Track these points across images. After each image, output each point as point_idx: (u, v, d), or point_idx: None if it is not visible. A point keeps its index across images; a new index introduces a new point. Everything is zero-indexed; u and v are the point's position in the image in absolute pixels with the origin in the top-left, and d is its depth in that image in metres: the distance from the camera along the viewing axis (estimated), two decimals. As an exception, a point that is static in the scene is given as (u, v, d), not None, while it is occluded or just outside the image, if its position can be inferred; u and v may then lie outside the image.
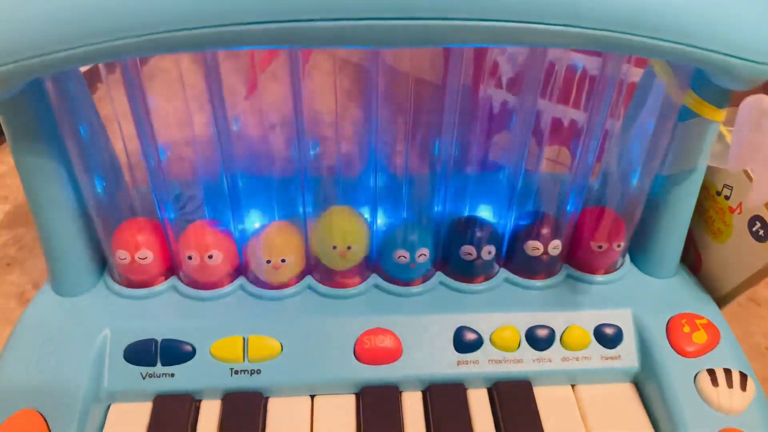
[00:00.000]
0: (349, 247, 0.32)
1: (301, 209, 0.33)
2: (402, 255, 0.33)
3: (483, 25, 0.23)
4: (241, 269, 0.34)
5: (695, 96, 0.29)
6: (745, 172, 0.32)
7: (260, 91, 0.30)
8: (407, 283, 0.34)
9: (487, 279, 0.34)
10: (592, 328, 0.33)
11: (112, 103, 0.29)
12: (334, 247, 0.32)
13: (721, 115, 0.29)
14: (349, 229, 0.32)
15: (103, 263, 0.35)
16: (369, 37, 0.23)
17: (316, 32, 0.23)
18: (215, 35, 0.23)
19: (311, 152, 0.31)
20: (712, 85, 0.28)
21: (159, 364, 0.31)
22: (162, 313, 0.33)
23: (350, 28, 0.22)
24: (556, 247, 0.33)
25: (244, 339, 0.31)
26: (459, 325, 0.32)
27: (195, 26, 0.22)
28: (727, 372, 0.31)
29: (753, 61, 0.25)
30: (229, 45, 0.23)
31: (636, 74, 0.33)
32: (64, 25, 0.22)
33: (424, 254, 0.33)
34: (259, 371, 0.31)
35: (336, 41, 0.23)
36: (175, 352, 0.31)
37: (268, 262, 0.32)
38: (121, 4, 0.22)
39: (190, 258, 0.32)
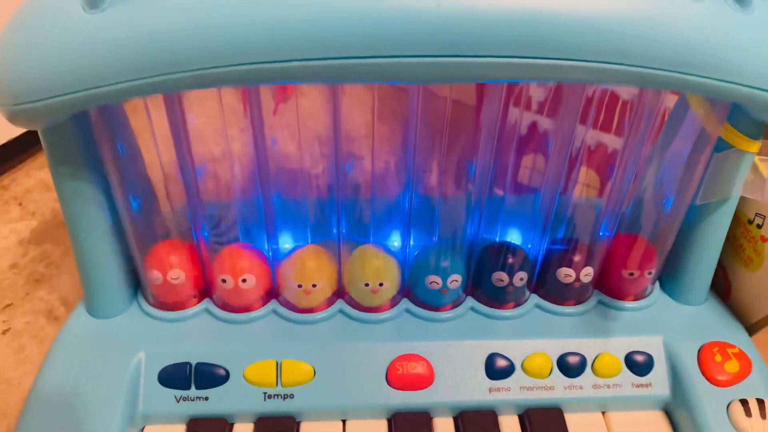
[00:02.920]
0: (381, 284, 0.33)
1: (335, 231, 0.33)
2: (434, 281, 0.33)
3: (526, 62, 0.23)
4: (274, 292, 0.35)
5: (731, 128, 0.29)
6: (781, 204, 0.32)
7: (293, 109, 0.30)
8: (438, 308, 0.34)
9: (517, 305, 0.35)
10: (623, 356, 0.33)
11: (149, 119, 0.30)
12: (366, 285, 0.33)
13: (756, 146, 0.29)
14: (380, 266, 0.33)
15: (137, 285, 0.35)
16: (413, 74, 0.23)
17: (361, 69, 0.23)
18: (261, 71, 0.23)
19: (345, 172, 0.31)
20: (747, 117, 0.28)
21: (193, 387, 0.31)
22: (196, 336, 0.33)
23: (395, 66, 0.23)
24: (588, 274, 0.33)
25: (277, 363, 0.32)
26: (490, 352, 0.32)
27: (246, 62, 0.23)
28: (760, 402, 0.31)
29: (794, 97, 0.25)
30: (275, 80, 0.24)
31: (670, 100, 0.33)
32: (116, 60, 0.23)
33: (456, 280, 0.33)
34: (292, 396, 0.31)
35: (381, 78, 0.24)
36: (209, 376, 0.31)
37: (299, 286, 0.33)
38: (176, 41, 0.22)
39: (223, 281, 0.33)
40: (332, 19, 0.22)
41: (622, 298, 0.35)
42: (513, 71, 0.23)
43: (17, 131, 0.51)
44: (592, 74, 0.24)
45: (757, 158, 0.31)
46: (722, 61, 0.24)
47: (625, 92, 0.31)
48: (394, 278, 0.33)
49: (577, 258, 0.33)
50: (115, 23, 0.22)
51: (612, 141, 0.32)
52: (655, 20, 0.23)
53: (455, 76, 0.23)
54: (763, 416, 0.30)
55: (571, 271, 0.33)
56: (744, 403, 0.31)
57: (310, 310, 0.34)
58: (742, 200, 0.33)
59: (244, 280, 0.33)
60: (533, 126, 0.33)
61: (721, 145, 0.30)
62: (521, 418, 0.32)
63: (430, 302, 0.34)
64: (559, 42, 0.23)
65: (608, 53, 0.23)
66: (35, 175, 0.53)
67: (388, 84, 0.29)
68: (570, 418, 0.32)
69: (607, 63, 0.23)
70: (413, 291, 0.34)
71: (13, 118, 0.25)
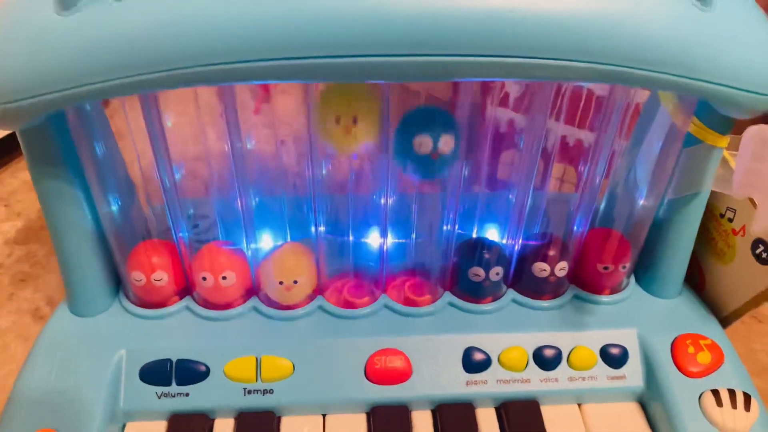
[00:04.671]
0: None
1: (313, 229, 0.33)
2: (412, 276, 0.33)
3: (492, 61, 0.23)
4: (253, 289, 0.35)
5: (699, 123, 0.29)
6: (750, 198, 0.33)
7: (272, 107, 0.30)
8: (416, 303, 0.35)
9: (494, 300, 0.35)
10: (598, 348, 0.33)
11: (127, 121, 0.30)
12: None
13: (725, 141, 0.30)
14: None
15: (118, 283, 0.35)
16: (382, 73, 0.24)
17: (333, 69, 0.23)
18: (235, 71, 0.23)
19: (323, 170, 0.31)
20: (715, 113, 0.29)
21: (174, 383, 0.32)
22: (177, 333, 0.33)
23: (365, 65, 0.23)
24: (563, 268, 0.34)
25: (257, 359, 0.32)
26: (468, 346, 0.33)
27: (218, 62, 0.23)
28: (731, 392, 0.32)
29: (755, 93, 0.25)
30: (248, 80, 0.24)
31: (642, 95, 0.33)
32: (89, 61, 0.23)
33: (433, 275, 0.33)
34: (271, 391, 0.32)
35: (352, 77, 0.24)
36: (189, 372, 0.32)
37: (281, 283, 0.33)
38: (148, 42, 0.23)
39: (204, 279, 0.33)
40: (304, 19, 0.22)
41: (597, 292, 0.35)
42: (479, 70, 0.24)
43: (2, 133, 0.51)
44: (557, 72, 0.24)
45: (727, 153, 0.32)
46: (685, 58, 0.24)
47: (597, 88, 0.32)
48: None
49: (551, 252, 0.34)
50: (87, 25, 0.23)
51: (584, 136, 0.33)
52: (618, 18, 0.23)
53: (422, 75, 0.24)
54: (734, 406, 0.31)
55: (545, 266, 0.34)
56: (716, 393, 0.31)
57: (290, 307, 0.34)
58: (714, 194, 0.34)
59: (224, 278, 0.33)
60: (506, 122, 0.33)
61: (692, 141, 0.30)
62: (498, 410, 0.33)
63: (408, 297, 0.35)
64: (525, 41, 0.23)
65: (573, 51, 0.24)
66: (21, 176, 0.53)
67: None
68: (546, 411, 0.32)
69: (572, 61, 0.24)
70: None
71: (-11, 119, 0.25)
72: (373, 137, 0.30)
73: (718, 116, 0.29)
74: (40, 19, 0.23)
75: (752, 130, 0.27)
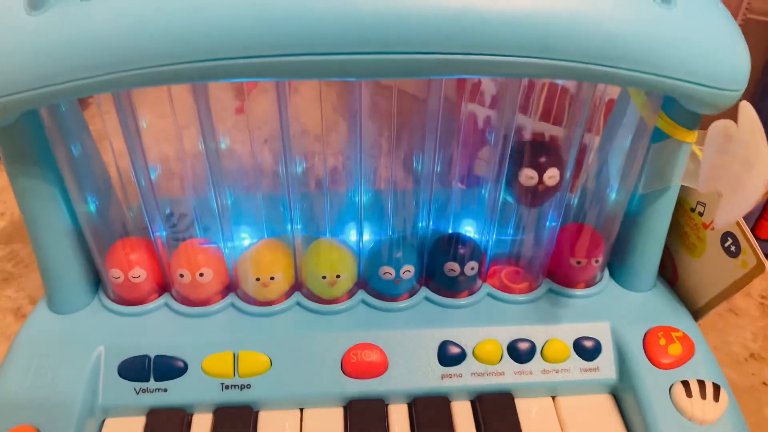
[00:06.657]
0: (338, 276, 0.33)
1: (289, 226, 0.34)
2: (387, 272, 0.34)
3: (457, 58, 0.24)
4: (231, 286, 0.35)
5: (667, 118, 0.30)
6: (718, 192, 0.33)
7: (249, 107, 0.31)
8: (393, 298, 0.35)
9: (470, 294, 0.36)
10: (572, 341, 0.34)
11: (103, 121, 0.30)
12: (324, 277, 0.33)
13: (692, 136, 0.30)
14: (336, 259, 0.34)
15: (97, 281, 0.36)
16: (351, 71, 0.24)
17: (301, 66, 0.24)
18: (203, 69, 0.24)
19: (298, 168, 0.32)
20: (682, 108, 0.29)
21: (152, 379, 0.32)
22: (155, 329, 0.34)
23: (334, 63, 0.24)
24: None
25: (234, 355, 0.32)
26: (443, 340, 0.33)
27: (187, 61, 0.23)
28: (701, 383, 0.32)
29: (717, 88, 0.26)
30: (217, 78, 0.24)
31: (614, 92, 0.34)
32: (59, 61, 0.23)
33: (408, 271, 0.34)
34: (249, 386, 0.32)
35: (319, 74, 0.24)
36: (167, 368, 0.32)
37: (258, 279, 0.33)
38: (118, 41, 0.23)
39: (181, 276, 0.33)
40: (275, 17, 0.23)
41: (571, 285, 0.36)
42: (444, 67, 0.24)
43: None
44: (521, 69, 0.24)
45: (696, 147, 0.32)
46: (646, 55, 0.25)
47: (566, 84, 0.32)
48: (350, 270, 0.34)
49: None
50: (57, 24, 0.23)
51: (556, 131, 0.33)
52: (579, 16, 0.24)
53: (390, 73, 0.24)
54: (703, 396, 0.32)
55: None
56: (685, 384, 0.32)
57: (268, 303, 0.35)
58: (685, 189, 0.34)
59: (201, 274, 0.33)
60: (479, 117, 0.34)
61: (660, 136, 0.31)
62: (473, 403, 0.33)
63: (385, 293, 0.35)
64: (489, 38, 0.23)
65: (534, 48, 0.24)
66: (4, 177, 0.53)
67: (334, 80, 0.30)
68: (520, 403, 0.33)
69: (533, 58, 0.24)
70: (368, 282, 0.35)
71: (-39, 118, 0.25)
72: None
73: (685, 112, 0.29)
74: (11, 18, 0.23)
75: (717, 125, 0.28)
